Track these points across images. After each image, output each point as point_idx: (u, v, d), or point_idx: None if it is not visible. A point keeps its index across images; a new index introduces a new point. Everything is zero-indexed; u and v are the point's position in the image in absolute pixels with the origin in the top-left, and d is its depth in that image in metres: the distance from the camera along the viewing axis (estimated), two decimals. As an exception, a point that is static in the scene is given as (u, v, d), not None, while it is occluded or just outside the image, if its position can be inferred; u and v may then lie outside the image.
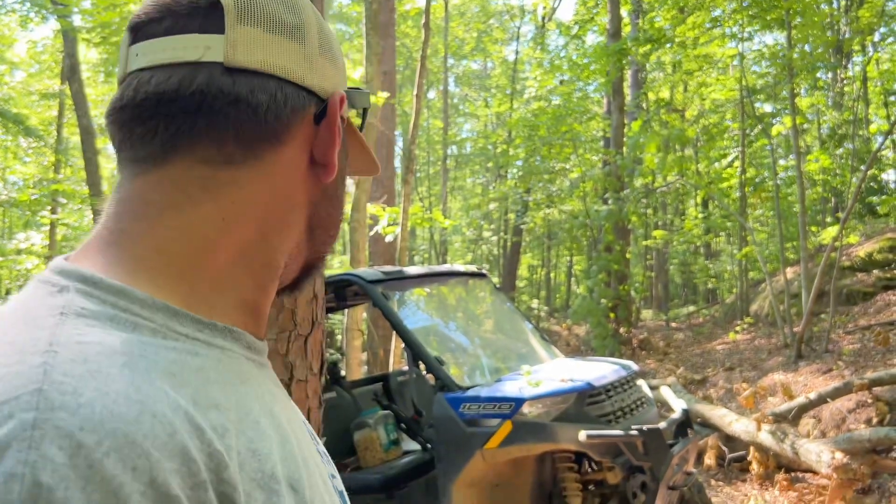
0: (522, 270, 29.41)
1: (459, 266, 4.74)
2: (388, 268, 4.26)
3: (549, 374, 3.76)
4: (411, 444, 4.40)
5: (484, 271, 4.90)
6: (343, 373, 5.29)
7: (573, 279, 28.46)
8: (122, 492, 0.37)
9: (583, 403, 3.49)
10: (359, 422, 4.25)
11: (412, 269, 4.38)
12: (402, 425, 4.41)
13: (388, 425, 4.27)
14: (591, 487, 3.90)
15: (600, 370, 3.84)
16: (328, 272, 4.30)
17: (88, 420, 0.38)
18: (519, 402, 3.43)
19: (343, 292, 4.64)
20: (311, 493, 0.51)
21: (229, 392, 0.49)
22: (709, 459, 6.60)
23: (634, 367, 4.19)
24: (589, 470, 3.91)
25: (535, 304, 28.68)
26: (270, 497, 0.46)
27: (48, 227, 11.35)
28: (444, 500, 3.52)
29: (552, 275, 31.31)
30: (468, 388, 3.63)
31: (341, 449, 4.29)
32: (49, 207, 9.66)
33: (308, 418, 2.25)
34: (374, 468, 4.06)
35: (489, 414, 3.46)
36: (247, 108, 0.55)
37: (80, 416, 0.38)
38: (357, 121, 0.70)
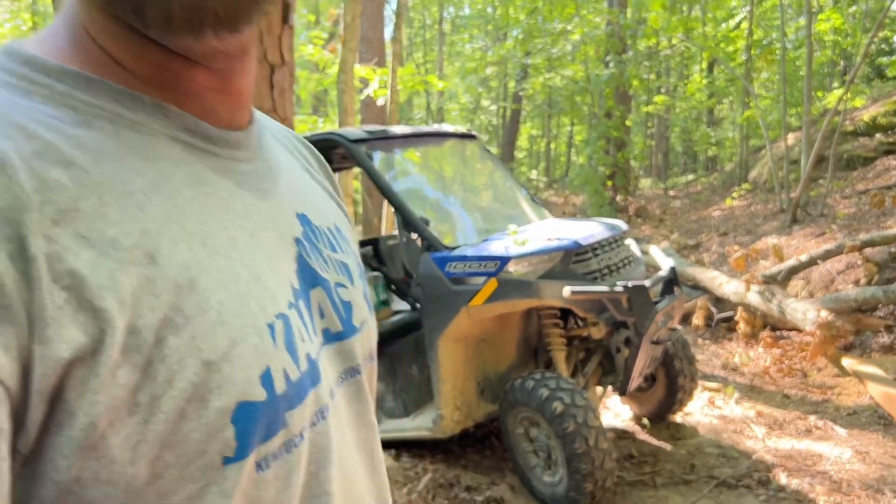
0: (522, 141, 29.02)
1: (448, 126, 4.60)
2: (372, 127, 4.12)
3: (536, 233, 3.73)
4: (402, 305, 4.46)
5: (474, 133, 4.77)
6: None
7: (573, 150, 28.11)
8: None
9: (569, 261, 3.48)
10: (348, 283, 4.28)
11: (398, 129, 4.24)
12: (393, 287, 4.45)
13: (377, 286, 4.30)
14: (575, 343, 3.98)
15: (588, 229, 3.80)
16: (310, 132, 4.17)
17: None
18: (504, 260, 3.41)
19: (329, 155, 4.53)
20: (204, 293, 0.48)
21: (106, 160, 0.47)
22: (697, 320, 6.75)
23: (623, 226, 4.15)
24: (574, 326, 3.98)
25: (534, 174, 28.53)
26: (101, 258, 0.43)
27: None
28: (430, 355, 3.59)
29: (552, 145, 30.96)
30: (455, 248, 3.61)
31: None
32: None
33: None
34: (363, 327, 4.12)
35: (475, 272, 3.45)
36: None
37: None
38: None
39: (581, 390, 3.34)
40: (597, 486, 3.20)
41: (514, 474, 3.68)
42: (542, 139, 30.22)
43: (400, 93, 8.57)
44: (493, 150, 25.67)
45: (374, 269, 4.46)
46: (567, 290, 3.26)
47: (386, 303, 4.31)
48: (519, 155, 28.31)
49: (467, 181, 4.66)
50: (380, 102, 8.57)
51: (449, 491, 3.44)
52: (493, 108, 26.59)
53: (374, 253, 5.01)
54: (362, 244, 5.24)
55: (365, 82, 9.48)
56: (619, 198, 14.11)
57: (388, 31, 11.41)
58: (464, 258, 3.50)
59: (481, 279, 3.43)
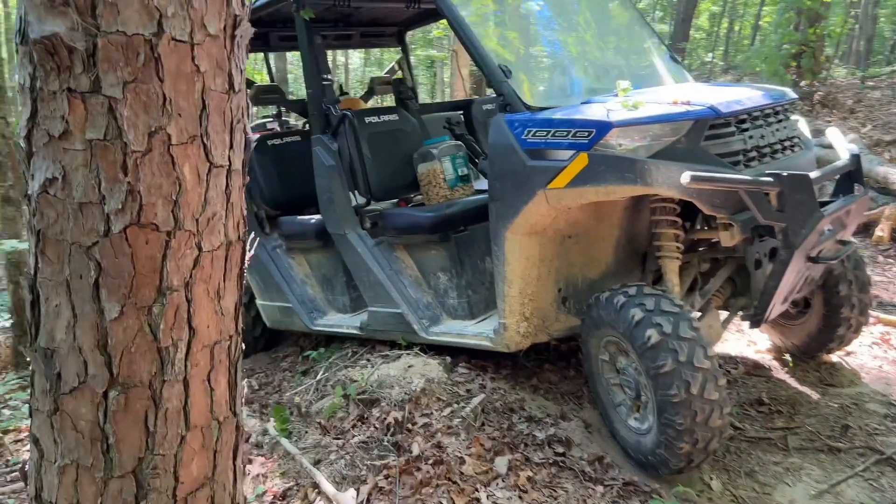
0: (702, 21, 26.08)
1: (565, -45, 3.52)
2: (452, -57, 3.15)
3: (658, 95, 2.70)
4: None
5: (602, -34, 3.66)
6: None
7: (759, 34, 24.86)
8: None
9: (700, 136, 2.46)
10: (422, 151, 3.49)
11: (489, -51, 3.25)
12: (478, 161, 3.60)
13: (456, 158, 3.48)
14: (699, 250, 3.00)
15: (734, 94, 2.72)
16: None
17: None
18: (603, 128, 2.45)
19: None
20: None
21: None
22: (881, 231, 5.37)
23: (790, 94, 2.99)
24: (703, 227, 2.99)
25: (709, 57, 25.63)
26: None
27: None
28: (495, 248, 2.77)
29: (736, 26, 27.66)
30: (540, 110, 2.69)
31: (403, 182, 3.58)
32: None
33: (203, 103, 1.41)
34: (430, 207, 3.36)
35: (560, 143, 2.53)
36: None
37: None
38: None
39: (691, 316, 2.40)
40: (696, 448, 2.33)
41: (595, 408, 2.89)
42: (725, 17, 26.96)
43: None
44: (666, 28, 23.07)
45: (457, 137, 3.62)
46: (686, 176, 2.27)
47: (466, 179, 3.48)
48: (697, 36, 25.46)
49: (584, 27, 3.60)
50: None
51: (503, 419, 2.71)
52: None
53: (466, 118, 4.15)
54: (453, 107, 4.39)
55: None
56: (803, 82, 11.97)
57: None
58: (548, 123, 2.57)
59: (568, 153, 2.50)
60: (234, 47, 1.47)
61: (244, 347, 4.41)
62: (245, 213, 1.62)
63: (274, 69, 11.08)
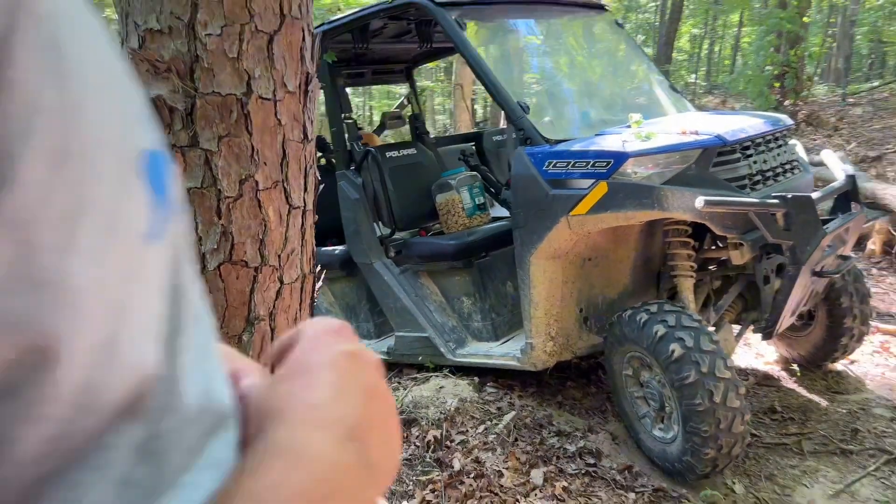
0: (683, 42, 26.66)
1: (570, -5, 3.74)
2: (468, -11, 3.38)
3: (667, 126, 2.90)
4: (503, 212, 3.81)
5: (603, 2, 3.89)
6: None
7: (739, 54, 25.43)
8: None
9: (708, 163, 2.66)
10: (440, 183, 3.68)
11: (501, -7, 3.48)
12: (493, 190, 3.79)
13: (472, 188, 3.67)
14: (710, 268, 3.19)
15: (738, 122, 2.93)
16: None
17: None
18: (620, 158, 2.65)
19: (426, 30, 3.86)
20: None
21: None
22: (873, 245, 5.59)
23: (787, 120, 3.21)
24: (712, 247, 3.18)
25: (692, 78, 26.15)
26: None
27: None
28: (520, 273, 2.95)
29: (716, 48, 28.26)
30: (558, 142, 2.88)
31: (423, 213, 3.77)
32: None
33: (284, 152, 1.64)
34: (453, 235, 3.54)
35: (580, 173, 2.72)
36: None
37: None
38: None
39: (710, 330, 2.58)
40: (720, 453, 2.50)
41: (619, 421, 3.05)
42: (705, 39, 27.54)
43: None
44: (649, 51, 23.59)
45: (472, 168, 3.81)
46: (700, 201, 2.46)
47: (482, 207, 3.67)
48: (679, 57, 26.00)
49: (590, 62, 3.83)
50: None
51: (535, 434, 2.87)
52: (652, 4, 24.31)
53: (477, 150, 4.34)
54: (464, 139, 4.59)
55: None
56: (787, 102, 12.33)
57: None
58: (567, 154, 2.76)
59: (587, 182, 2.70)
60: (307, 101, 1.65)
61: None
62: (315, 248, 1.78)
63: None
